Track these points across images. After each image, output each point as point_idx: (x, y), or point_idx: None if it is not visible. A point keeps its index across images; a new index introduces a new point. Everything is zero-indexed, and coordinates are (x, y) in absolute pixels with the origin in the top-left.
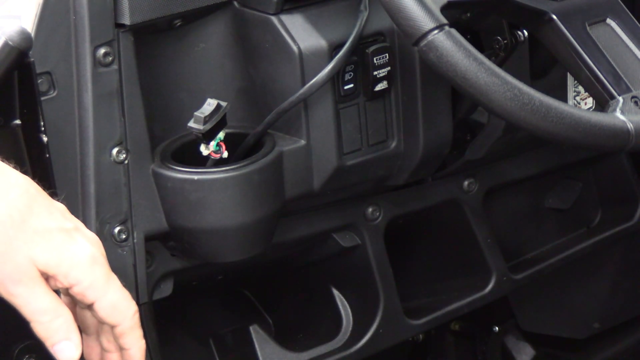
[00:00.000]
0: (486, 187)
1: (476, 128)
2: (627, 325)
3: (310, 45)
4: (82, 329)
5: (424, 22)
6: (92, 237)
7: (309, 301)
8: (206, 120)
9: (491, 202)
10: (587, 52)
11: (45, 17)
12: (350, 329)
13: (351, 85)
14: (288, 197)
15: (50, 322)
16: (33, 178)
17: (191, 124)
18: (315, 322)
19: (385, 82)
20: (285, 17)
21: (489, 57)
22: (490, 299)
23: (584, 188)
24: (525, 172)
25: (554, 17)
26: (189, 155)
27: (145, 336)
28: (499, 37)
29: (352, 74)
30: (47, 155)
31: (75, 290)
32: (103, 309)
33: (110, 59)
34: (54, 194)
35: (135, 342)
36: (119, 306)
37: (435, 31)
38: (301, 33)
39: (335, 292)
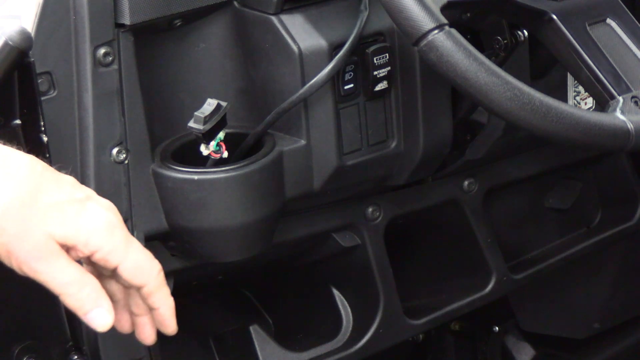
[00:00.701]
0: (486, 187)
1: (476, 128)
2: (627, 325)
3: (310, 45)
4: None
5: (424, 22)
6: (106, 203)
7: (309, 301)
8: (206, 120)
9: (491, 202)
10: (587, 52)
11: (45, 17)
12: (350, 329)
13: (351, 85)
14: (288, 197)
15: (79, 292)
16: None
17: (191, 124)
18: (315, 322)
19: (385, 82)
20: (285, 17)
21: (489, 57)
22: (490, 299)
23: (584, 188)
24: (525, 172)
25: (554, 17)
26: (189, 155)
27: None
28: (499, 37)
29: (352, 74)
30: (47, 155)
31: (97, 257)
32: (127, 271)
33: (110, 59)
34: (61, 168)
35: (164, 300)
36: (142, 266)
37: (436, 31)
38: (301, 33)
39: (335, 292)
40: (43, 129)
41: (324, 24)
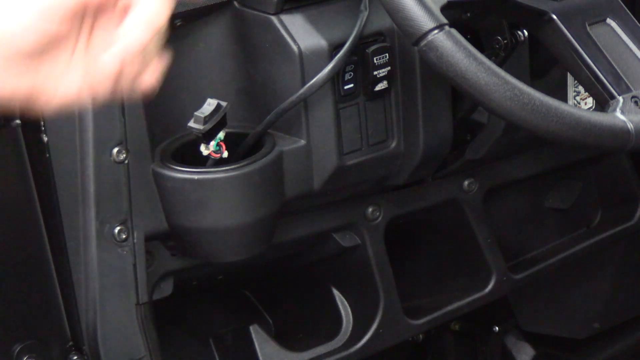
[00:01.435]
0: (486, 187)
1: (476, 128)
2: (627, 325)
3: (310, 45)
4: None
5: (424, 22)
6: None
7: (309, 301)
8: (206, 120)
9: (491, 202)
10: (587, 52)
11: None
12: (350, 329)
13: (351, 85)
14: (288, 197)
15: None
16: (33, 178)
17: (191, 124)
18: (315, 322)
19: (385, 82)
20: (285, 17)
21: (489, 57)
22: (490, 299)
23: (584, 188)
24: (525, 172)
25: (554, 17)
26: (189, 155)
27: (145, 336)
28: (499, 37)
29: (352, 74)
30: (47, 155)
31: None
32: None
33: None
34: None
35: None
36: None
37: (435, 31)
38: (301, 33)
39: (335, 292)
40: (43, 129)
41: (324, 24)
